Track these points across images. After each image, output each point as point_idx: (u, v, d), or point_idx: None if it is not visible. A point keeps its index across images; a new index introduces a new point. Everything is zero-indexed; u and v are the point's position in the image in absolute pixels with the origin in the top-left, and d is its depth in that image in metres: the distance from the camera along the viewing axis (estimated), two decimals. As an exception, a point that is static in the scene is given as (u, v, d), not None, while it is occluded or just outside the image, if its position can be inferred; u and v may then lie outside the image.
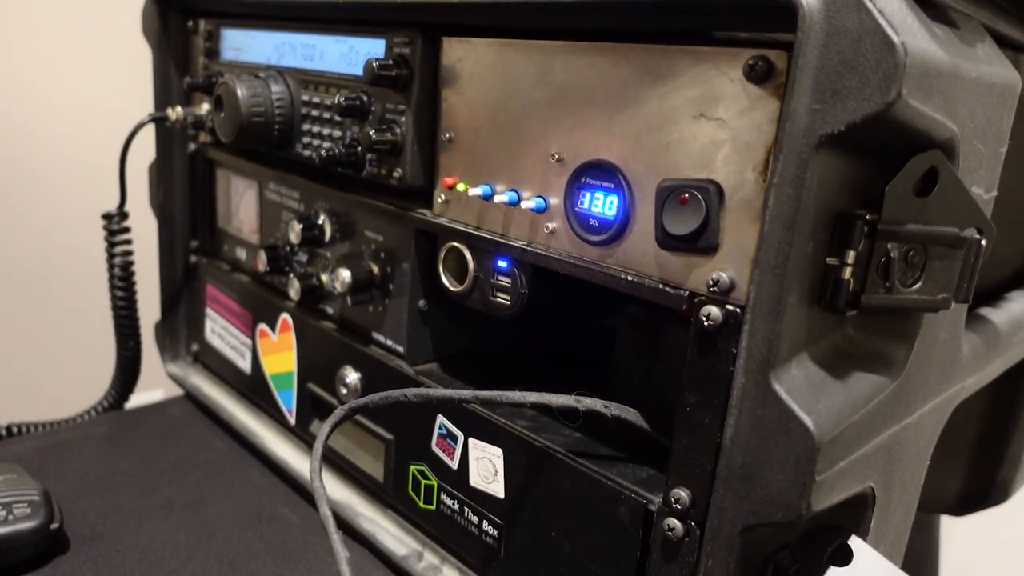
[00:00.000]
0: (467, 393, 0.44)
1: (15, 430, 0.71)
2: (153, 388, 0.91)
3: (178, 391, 0.81)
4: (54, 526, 0.54)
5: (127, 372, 0.76)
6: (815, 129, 0.30)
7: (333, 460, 0.63)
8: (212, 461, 0.69)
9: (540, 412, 0.50)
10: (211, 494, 0.64)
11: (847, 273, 0.34)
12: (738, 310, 0.35)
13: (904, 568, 0.97)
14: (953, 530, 1.16)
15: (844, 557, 0.39)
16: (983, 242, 0.35)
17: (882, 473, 0.39)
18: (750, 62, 0.34)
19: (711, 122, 0.36)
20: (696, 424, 0.38)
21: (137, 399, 0.79)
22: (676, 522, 0.39)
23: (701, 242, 0.37)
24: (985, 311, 0.53)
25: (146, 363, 0.77)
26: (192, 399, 0.79)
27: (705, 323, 0.36)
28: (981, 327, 0.50)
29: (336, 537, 0.37)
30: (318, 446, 0.41)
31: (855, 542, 0.39)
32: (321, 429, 0.42)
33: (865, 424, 0.35)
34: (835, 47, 0.29)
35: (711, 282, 0.36)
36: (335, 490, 0.61)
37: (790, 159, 0.31)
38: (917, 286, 0.34)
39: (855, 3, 0.29)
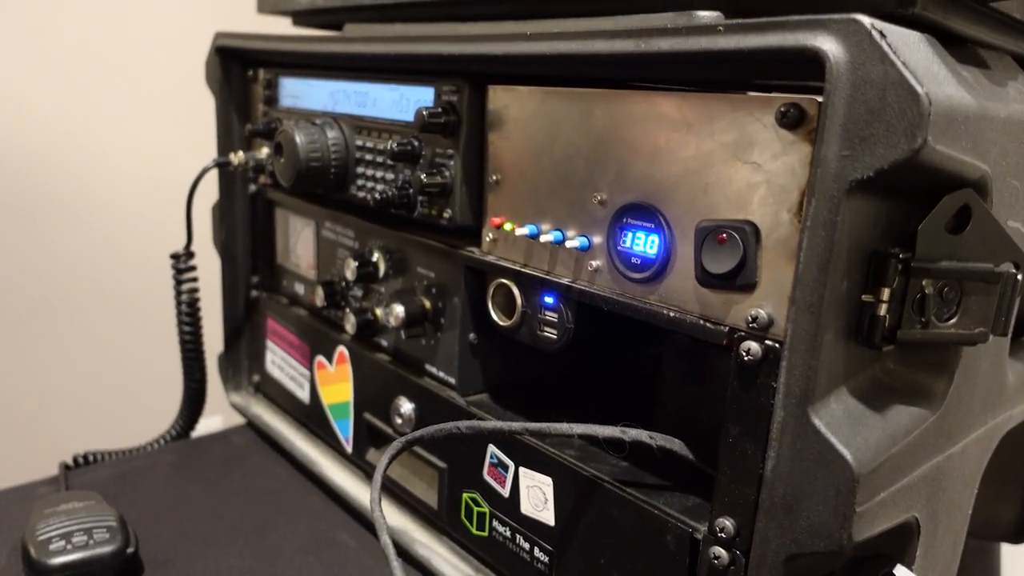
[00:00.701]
0: (517, 425, 0.46)
1: (91, 458, 0.75)
2: (213, 415, 0.95)
3: (238, 418, 0.84)
4: (130, 550, 0.58)
5: (193, 403, 0.80)
6: (845, 174, 0.32)
7: (389, 487, 0.65)
8: (274, 488, 0.72)
9: (588, 442, 0.52)
10: (273, 520, 0.67)
11: (883, 309, 0.35)
12: (777, 345, 0.36)
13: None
14: (1017, 558, 1.13)
15: (890, 586, 0.39)
16: (1019, 276, 0.35)
17: (926, 503, 0.40)
18: (782, 109, 0.36)
19: (747, 165, 0.38)
20: (739, 456, 0.39)
21: (199, 425, 0.83)
22: (721, 550, 0.40)
23: (739, 280, 0.38)
24: (1033, 338, 0.53)
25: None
26: (254, 428, 0.82)
27: (745, 358, 0.38)
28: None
29: (396, 564, 0.39)
30: (377, 477, 0.43)
31: (901, 572, 0.40)
32: (380, 461, 0.45)
33: (905, 456, 0.36)
34: (862, 97, 0.31)
35: (750, 318, 0.38)
36: (391, 516, 0.64)
37: (822, 203, 0.33)
38: (953, 320, 0.35)
39: (880, 55, 0.30)
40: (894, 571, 0.40)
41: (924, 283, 0.35)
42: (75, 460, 0.75)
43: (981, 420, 0.43)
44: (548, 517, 0.51)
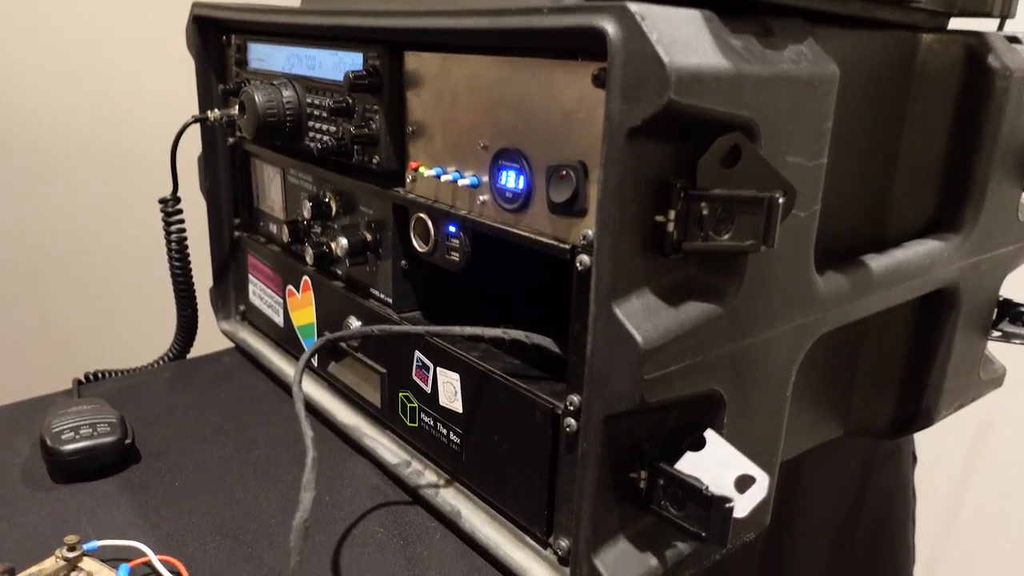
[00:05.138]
0: (420, 328, 0.58)
1: (100, 375, 0.88)
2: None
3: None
4: (128, 441, 0.71)
5: (186, 330, 0.93)
6: (624, 123, 0.42)
7: (344, 393, 0.77)
8: (254, 397, 0.85)
9: (491, 345, 0.63)
10: (252, 422, 0.80)
11: (670, 227, 0.45)
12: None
13: (873, 494, 1.08)
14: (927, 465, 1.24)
15: (698, 444, 0.51)
16: (780, 200, 0.45)
17: (730, 380, 0.51)
18: (595, 72, 0.46)
19: (577, 116, 0.48)
20: (579, 345, 0.50)
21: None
22: (572, 420, 0.52)
23: (575, 207, 0.49)
24: (868, 256, 0.63)
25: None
26: (240, 350, 0.95)
27: (579, 268, 0.49)
28: (852, 269, 0.60)
29: (303, 414, 0.51)
30: (302, 360, 0.55)
31: (708, 433, 0.51)
32: (307, 351, 0.56)
33: (694, 339, 0.47)
34: (631, 65, 0.41)
35: (582, 237, 0.49)
36: (346, 416, 0.76)
37: (610, 145, 0.43)
38: (728, 235, 0.46)
39: (640, 34, 0.40)
40: (704, 434, 0.51)
41: (702, 206, 0.45)
42: (86, 376, 0.88)
43: (785, 318, 0.53)
44: (458, 406, 0.63)
